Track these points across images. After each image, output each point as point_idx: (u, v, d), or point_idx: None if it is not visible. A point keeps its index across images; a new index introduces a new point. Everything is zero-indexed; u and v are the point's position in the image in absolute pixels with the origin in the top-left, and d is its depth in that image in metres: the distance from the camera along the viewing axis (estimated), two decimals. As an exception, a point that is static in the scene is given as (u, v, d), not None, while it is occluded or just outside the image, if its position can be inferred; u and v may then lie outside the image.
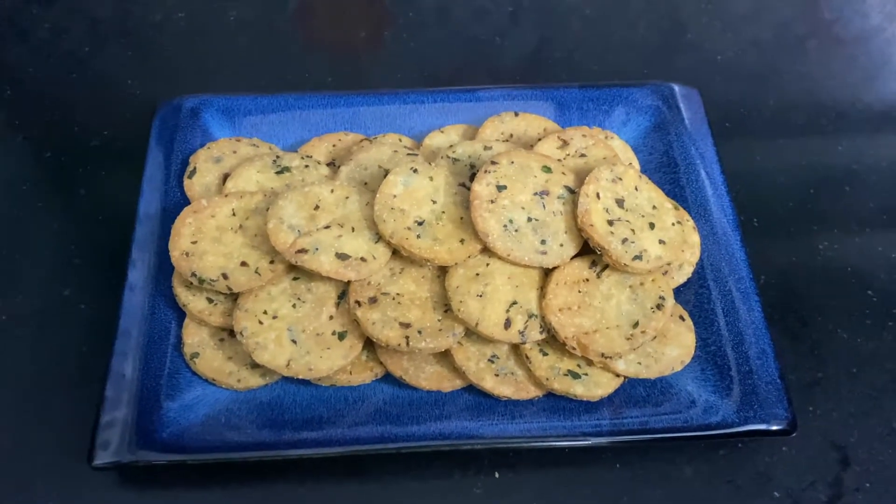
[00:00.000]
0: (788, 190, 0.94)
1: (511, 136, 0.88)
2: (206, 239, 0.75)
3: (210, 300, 0.75)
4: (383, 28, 1.12)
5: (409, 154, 0.83)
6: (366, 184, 0.80)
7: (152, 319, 0.76)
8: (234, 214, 0.77)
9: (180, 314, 0.76)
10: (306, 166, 0.83)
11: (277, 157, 0.83)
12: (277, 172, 0.82)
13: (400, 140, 0.88)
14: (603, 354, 0.71)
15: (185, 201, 0.83)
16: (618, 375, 0.73)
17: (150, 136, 0.87)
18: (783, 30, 1.13)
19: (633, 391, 0.74)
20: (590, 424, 0.71)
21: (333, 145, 0.88)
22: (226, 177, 0.83)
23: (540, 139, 0.85)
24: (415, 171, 0.77)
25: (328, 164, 0.85)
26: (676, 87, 0.93)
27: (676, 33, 1.12)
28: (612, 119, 0.92)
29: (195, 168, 0.84)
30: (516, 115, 0.89)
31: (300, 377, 0.70)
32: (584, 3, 1.15)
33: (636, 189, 0.79)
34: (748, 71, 1.07)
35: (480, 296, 0.72)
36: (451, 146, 0.82)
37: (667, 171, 0.87)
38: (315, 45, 1.10)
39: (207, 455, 0.69)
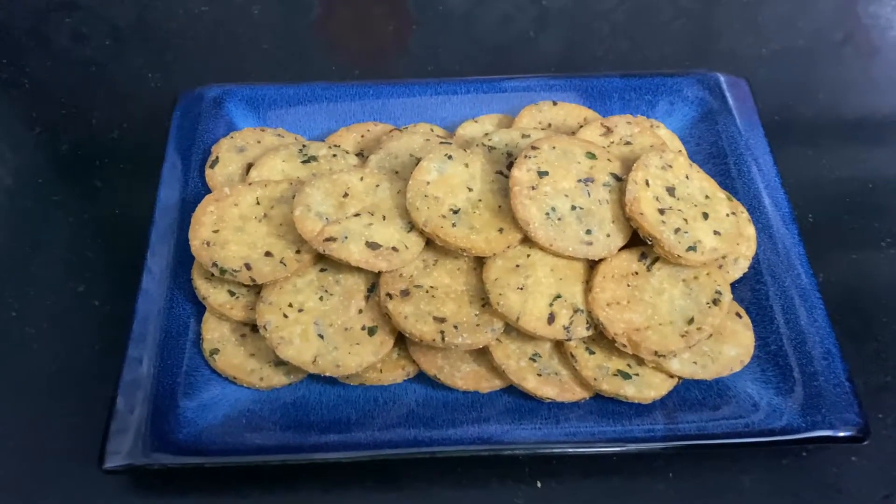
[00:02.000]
0: (844, 184, 0.88)
1: (549, 125, 0.83)
2: (229, 228, 0.71)
3: (232, 293, 0.70)
4: (407, 34, 1.08)
5: (442, 143, 0.78)
6: (397, 172, 0.76)
7: (170, 314, 0.71)
8: (258, 203, 0.72)
9: (200, 309, 0.72)
10: (334, 155, 0.78)
11: (304, 146, 0.79)
12: (304, 162, 0.78)
13: (432, 130, 0.84)
14: (656, 353, 0.65)
15: (207, 192, 0.79)
16: (671, 376, 0.67)
17: (170, 127, 0.83)
18: (827, 28, 1.08)
19: (688, 394, 0.68)
20: (642, 429, 0.65)
21: (362, 136, 0.83)
22: (249, 167, 0.79)
23: (580, 128, 0.80)
24: (449, 157, 0.72)
25: (357, 155, 0.81)
26: (723, 77, 0.88)
27: (710, 38, 1.07)
28: (656, 110, 0.87)
29: (217, 157, 0.79)
30: (554, 104, 0.84)
31: (327, 374, 0.65)
32: (613, 8, 1.10)
33: (687, 178, 0.73)
34: (794, 64, 1.02)
35: (521, 288, 0.67)
36: (486, 134, 0.78)
37: (716, 162, 0.82)
38: (339, 49, 1.06)
39: (226, 458, 0.64)
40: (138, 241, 0.76)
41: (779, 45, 1.05)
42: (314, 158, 0.78)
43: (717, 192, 0.74)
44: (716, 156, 0.83)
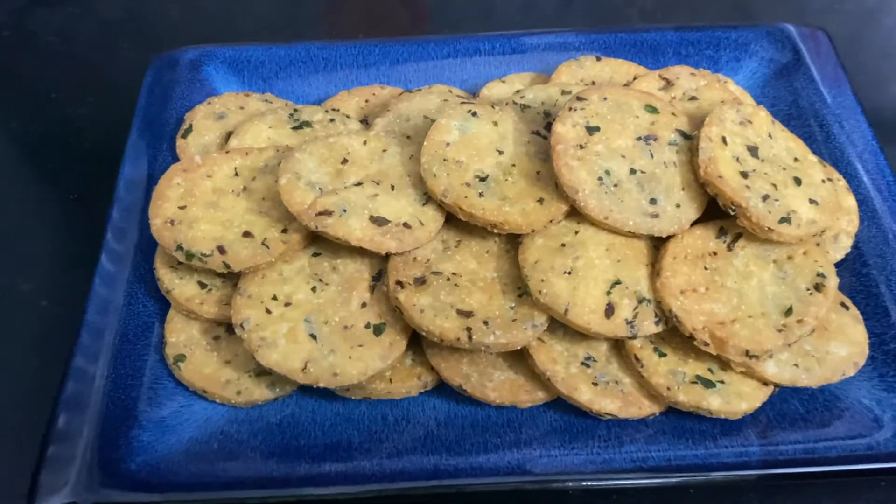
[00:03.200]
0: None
1: (593, 83, 0.68)
2: (199, 204, 0.57)
3: (202, 285, 0.56)
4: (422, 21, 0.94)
5: (463, 103, 0.64)
6: (408, 137, 0.62)
7: (128, 313, 0.57)
8: (236, 174, 0.59)
9: (165, 306, 0.58)
10: (331, 120, 0.64)
11: (295, 110, 0.65)
12: (295, 128, 0.64)
13: (450, 91, 0.70)
14: (747, 352, 0.50)
15: (178, 167, 0.65)
16: (766, 384, 0.52)
17: (139, 95, 0.70)
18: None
19: (786, 406, 0.53)
20: (731, 452, 0.50)
21: (366, 100, 0.69)
22: (229, 136, 0.65)
23: (634, 80, 0.65)
24: (473, 114, 0.58)
25: (361, 122, 0.67)
26: (794, 29, 0.74)
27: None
28: (719, 67, 0.73)
29: (191, 126, 0.66)
30: (598, 59, 0.70)
31: (321, 385, 0.51)
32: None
33: (770, 136, 0.59)
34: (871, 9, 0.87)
35: (569, 273, 0.52)
36: (517, 91, 0.63)
37: (797, 125, 0.68)
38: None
39: (191, 494, 0.50)
40: (99, 231, 0.62)
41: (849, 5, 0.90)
42: (307, 124, 0.64)
43: (807, 154, 0.59)
44: (795, 118, 0.68)
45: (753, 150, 0.57)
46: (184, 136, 0.66)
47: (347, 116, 0.66)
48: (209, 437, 0.52)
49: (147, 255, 0.59)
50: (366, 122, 0.68)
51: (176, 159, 0.66)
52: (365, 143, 0.58)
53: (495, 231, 0.54)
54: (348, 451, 0.51)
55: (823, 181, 0.58)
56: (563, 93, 0.63)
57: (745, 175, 0.55)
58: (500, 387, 0.53)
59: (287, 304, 0.53)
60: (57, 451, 0.51)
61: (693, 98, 0.63)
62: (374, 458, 0.51)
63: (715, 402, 0.51)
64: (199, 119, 0.67)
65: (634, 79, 0.69)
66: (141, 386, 0.54)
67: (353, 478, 0.50)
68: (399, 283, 0.53)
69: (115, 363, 0.54)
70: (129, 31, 0.88)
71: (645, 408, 0.52)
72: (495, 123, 0.58)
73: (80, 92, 0.81)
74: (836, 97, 0.69)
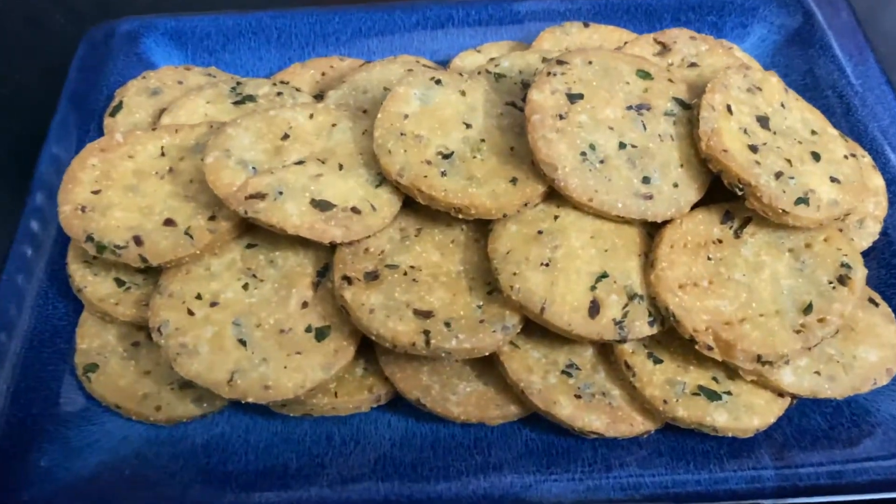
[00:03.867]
0: None
1: (579, 52, 0.60)
2: (116, 187, 0.49)
3: (120, 282, 0.48)
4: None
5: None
6: (365, 111, 0.54)
7: (37, 315, 0.49)
8: (162, 154, 0.51)
9: (80, 307, 0.49)
10: (279, 94, 0.56)
11: (238, 83, 0.57)
12: (236, 103, 0.56)
13: (417, 61, 0.61)
14: (759, 358, 0.42)
15: (107, 150, 0.57)
16: (782, 395, 0.44)
17: (68, 71, 0.62)
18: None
19: (806, 422, 0.46)
20: (741, 477, 0.42)
21: (323, 73, 0.62)
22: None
23: (625, 45, 0.57)
24: (437, 82, 0.50)
25: (315, 98, 0.59)
26: (808, -9, 0.66)
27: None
28: (723, 34, 0.65)
29: (121, 103, 0.58)
30: (586, 25, 0.62)
31: (250, 400, 0.43)
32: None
33: (782, 106, 0.50)
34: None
35: (546, 265, 0.44)
36: (491, 59, 0.55)
37: (812, 96, 0.60)
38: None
39: None
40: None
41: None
42: (251, 98, 0.56)
43: (826, 126, 0.51)
44: (811, 88, 0.61)
45: (764, 121, 0.49)
46: (112, 115, 0.58)
47: (298, 90, 0.57)
48: (121, 462, 0.45)
49: (64, 247, 0.51)
50: (321, 97, 0.60)
51: (104, 140, 0.58)
52: (312, 116, 0.50)
53: (461, 217, 0.46)
54: (283, 478, 0.44)
55: (846, 157, 0.49)
56: (545, 60, 0.55)
57: (754, 149, 0.47)
58: (465, 400, 0.45)
59: (213, 304, 0.45)
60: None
61: (693, 65, 0.55)
62: (313, 486, 0.43)
63: (721, 418, 0.43)
64: (131, 95, 0.59)
65: (626, 45, 0.61)
66: (44, 401, 0.46)
67: (289, 510, 0.42)
68: (346, 278, 0.45)
69: (15, 375, 0.46)
70: (63, 5, 0.80)
71: (637, 425, 0.44)
72: (463, 93, 0.50)
73: (6, 69, 0.73)
74: (856, 66, 0.60)
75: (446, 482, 0.43)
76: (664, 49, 0.56)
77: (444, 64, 0.63)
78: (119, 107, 0.58)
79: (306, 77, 0.61)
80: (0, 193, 0.65)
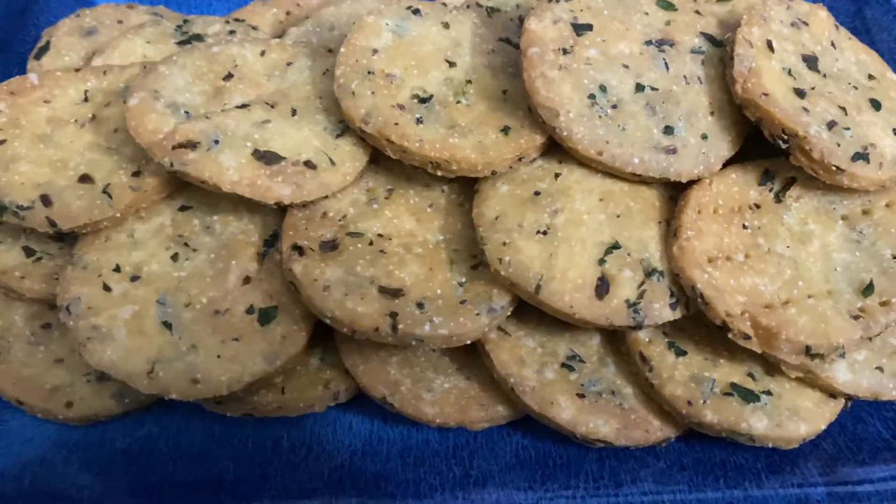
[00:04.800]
0: None
1: (588, -11, 0.52)
2: (24, 137, 0.41)
3: (30, 251, 0.40)
4: None
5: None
6: (330, 51, 0.45)
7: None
8: (86, 100, 0.42)
9: (-14, 283, 0.41)
10: (231, 32, 0.48)
11: (185, 21, 0.49)
12: (181, 43, 0.47)
13: (397, -3, 0.53)
14: (808, 350, 0.34)
15: (32, 100, 0.49)
16: (834, 396, 0.35)
17: (-6, 9, 0.53)
18: None
19: (863, 429, 0.38)
20: (784, 497, 0.33)
21: (287, 13, 0.53)
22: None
23: (642, -22, 0.48)
24: (415, 12, 0.41)
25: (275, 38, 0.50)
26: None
27: None
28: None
29: (48, 43, 0.50)
30: (595, -42, 0.53)
31: (174, 397, 0.35)
32: None
33: (833, 46, 0.42)
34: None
35: (544, 233, 0.36)
36: (484, -7, 0.47)
37: (862, 40, 0.50)
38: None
39: None
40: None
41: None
42: (199, 38, 0.47)
43: (885, 70, 0.43)
44: (861, 32, 0.51)
45: (812, 61, 0.40)
46: (37, 57, 0.49)
47: (254, 28, 0.49)
48: (21, 471, 0.37)
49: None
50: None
51: (29, 87, 0.49)
52: (263, 53, 0.42)
53: (440, 175, 0.38)
54: (216, 492, 0.35)
55: (910, 106, 0.41)
56: (545, -7, 0.46)
57: (800, 94, 0.38)
58: (442, 399, 0.37)
59: (134, 279, 0.37)
60: None
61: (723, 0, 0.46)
62: (253, 502, 0.35)
63: (759, 424, 0.35)
64: (61, 35, 0.50)
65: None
66: (-70, 396, 0.38)
67: (222, 533, 0.34)
68: (297, 247, 0.37)
69: None
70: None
71: (654, 431, 0.36)
72: (446, 25, 0.42)
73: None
74: (913, 7, 0.51)
75: (416, 500, 0.35)
76: (689, -20, 0.47)
77: (430, 3, 0.55)
78: (45, 48, 0.50)
79: (268, 17, 0.53)
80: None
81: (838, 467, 0.36)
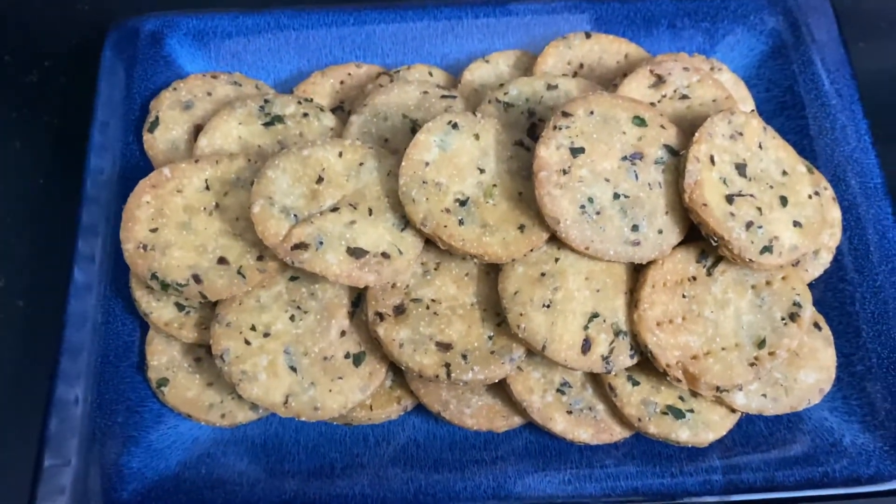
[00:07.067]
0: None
1: (581, 65, 0.65)
2: (171, 225, 0.55)
3: (180, 307, 0.55)
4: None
5: (443, 97, 0.61)
6: (386, 140, 0.59)
7: (107, 332, 0.57)
8: (207, 188, 0.56)
9: (144, 322, 0.57)
10: (304, 114, 0.61)
11: (266, 101, 0.62)
12: (266, 124, 0.61)
13: (430, 74, 0.66)
14: (718, 388, 0.51)
15: (147, 162, 0.62)
16: (734, 411, 0.54)
17: (98, 72, 0.65)
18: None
19: (751, 427, 0.56)
20: (696, 481, 0.53)
21: (341, 82, 0.66)
22: (198, 130, 0.62)
23: (623, 74, 0.62)
24: (454, 126, 0.55)
25: (334, 110, 0.64)
26: (797, -3, 0.69)
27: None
28: (714, 41, 0.69)
29: (157, 118, 0.62)
30: (588, 36, 0.66)
31: (303, 419, 0.52)
32: None
33: (760, 147, 0.57)
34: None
35: (548, 306, 0.52)
36: (501, 85, 0.60)
37: (791, 114, 0.65)
38: None
39: None
40: (69, 220, 0.60)
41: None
42: (279, 119, 0.61)
43: (796, 164, 0.58)
44: (790, 107, 0.66)
45: (741, 168, 0.55)
46: (151, 131, 0.62)
47: (321, 109, 0.62)
48: (197, 462, 0.54)
49: (121, 263, 0.58)
50: (341, 108, 0.65)
51: (143, 153, 0.63)
52: (341, 154, 0.56)
53: (475, 261, 0.54)
54: (331, 476, 0.54)
55: (810, 196, 0.56)
56: (549, 87, 0.60)
57: (730, 200, 0.53)
58: (477, 413, 0.54)
59: (266, 335, 0.53)
60: (47, 490, 0.52)
61: (685, 97, 0.60)
62: (356, 484, 0.53)
63: (684, 434, 0.53)
64: (165, 109, 0.63)
65: (626, 58, 0.65)
66: (127, 410, 0.55)
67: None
68: (378, 314, 0.53)
69: (98, 387, 0.55)
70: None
71: (616, 434, 0.54)
72: (476, 136, 0.56)
73: (34, 56, 0.76)
74: (833, 83, 0.65)
75: (460, 475, 0.54)
76: (659, 81, 0.61)
77: (453, 67, 0.68)
78: (156, 122, 0.62)
79: (326, 87, 0.65)
80: (35, 175, 0.70)
81: (732, 457, 0.53)
